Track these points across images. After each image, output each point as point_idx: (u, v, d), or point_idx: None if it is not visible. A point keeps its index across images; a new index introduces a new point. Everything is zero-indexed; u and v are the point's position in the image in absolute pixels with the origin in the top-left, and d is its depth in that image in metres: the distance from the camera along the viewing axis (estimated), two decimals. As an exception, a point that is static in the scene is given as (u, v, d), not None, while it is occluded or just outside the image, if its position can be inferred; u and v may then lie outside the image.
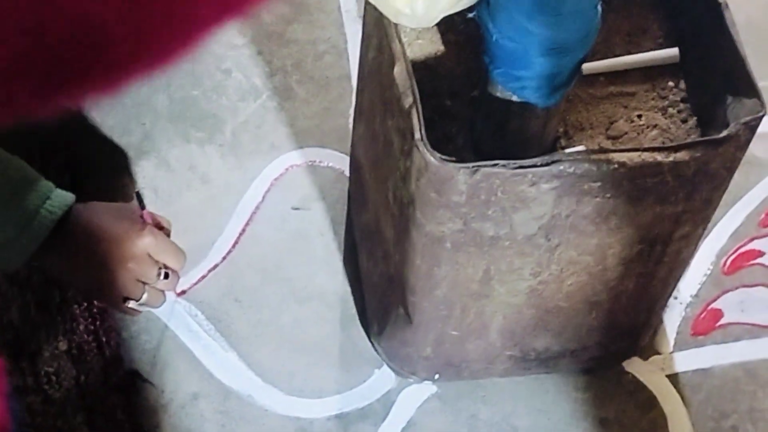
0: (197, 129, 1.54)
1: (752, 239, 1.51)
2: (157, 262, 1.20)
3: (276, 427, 1.35)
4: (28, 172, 1.18)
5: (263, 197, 1.50)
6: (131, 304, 1.19)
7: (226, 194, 1.50)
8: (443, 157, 1.08)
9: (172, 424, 1.33)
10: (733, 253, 1.50)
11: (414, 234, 1.18)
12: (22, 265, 1.17)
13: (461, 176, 1.08)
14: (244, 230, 1.47)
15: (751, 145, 1.55)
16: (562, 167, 1.09)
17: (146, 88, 1.55)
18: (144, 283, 1.19)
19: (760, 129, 1.58)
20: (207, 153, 1.53)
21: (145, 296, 1.19)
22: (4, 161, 1.18)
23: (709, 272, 1.48)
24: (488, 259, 1.19)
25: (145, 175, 1.50)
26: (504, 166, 1.09)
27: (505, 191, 1.11)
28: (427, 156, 1.08)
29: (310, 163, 1.53)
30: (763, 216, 1.52)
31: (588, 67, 1.26)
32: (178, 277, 1.24)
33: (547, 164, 1.09)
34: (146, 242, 1.19)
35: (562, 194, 1.12)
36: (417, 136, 1.08)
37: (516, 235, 1.16)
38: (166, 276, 1.21)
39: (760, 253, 1.49)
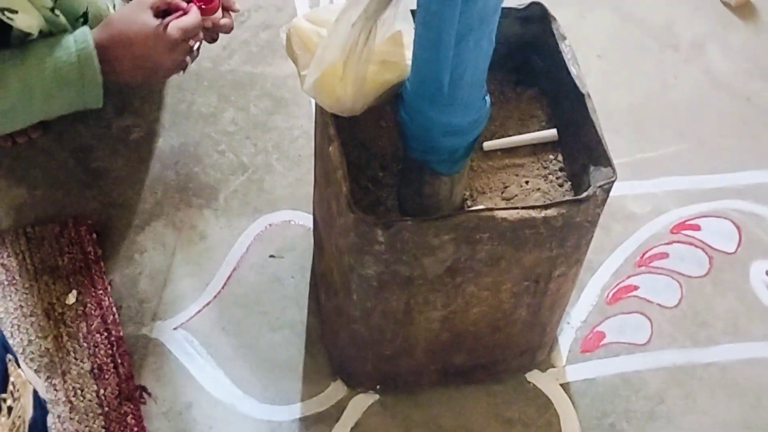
0: (197, 197, 1.54)
1: (629, 276, 1.51)
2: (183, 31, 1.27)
3: (253, 428, 1.33)
4: (51, 43, 1.25)
5: (247, 249, 1.49)
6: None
7: (218, 247, 1.50)
8: (364, 216, 1.08)
9: (171, 428, 1.32)
10: (614, 288, 1.50)
11: (350, 276, 1.18)
12: (102, 95, 1.27)
13: (379, 230, 1.08)
14: (231, 275, 1.47)
15: (630, 203, 1.57)
16: (457, 222, 1.09)
17: (159, 165, 1.55)
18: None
19: (637, 191, 1.59)
20: (204, 215, 1.52)
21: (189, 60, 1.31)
22: (38, 53, 1.24)
23: (595, 303, 1.48)
24: (407, 294, 1.19)
25: (157, 232, 1.49)
26: (411, 221, 1.08)
27: (414, 241, 1.10)
28: (353, 216, 1.07)
29: (284, 222, 1.53)
30: (638, 258, 1.53)
31: (488, 144, 1.27)
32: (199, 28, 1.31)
33: (445, 219, 1.09)
34: (170, 30, 1.25)
35: (460, 242, 1.11)
36: (345, 201, 1.08)
37: (427, 275, 1.15)
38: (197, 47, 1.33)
39: (636, 287, 1.50)
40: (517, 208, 1.10)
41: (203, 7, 1.35)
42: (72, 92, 1.25)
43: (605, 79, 1.70)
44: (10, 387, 0.72)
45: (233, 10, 1.40)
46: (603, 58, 1.74)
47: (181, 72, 1.34)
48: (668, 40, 1.78)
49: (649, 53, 1.76)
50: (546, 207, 1.10)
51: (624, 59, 1.74)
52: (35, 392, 0.93)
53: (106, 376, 1.33)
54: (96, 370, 1.34)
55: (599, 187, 1.10)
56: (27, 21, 1.25)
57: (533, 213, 1.10)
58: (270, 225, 1.51)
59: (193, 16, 1.29)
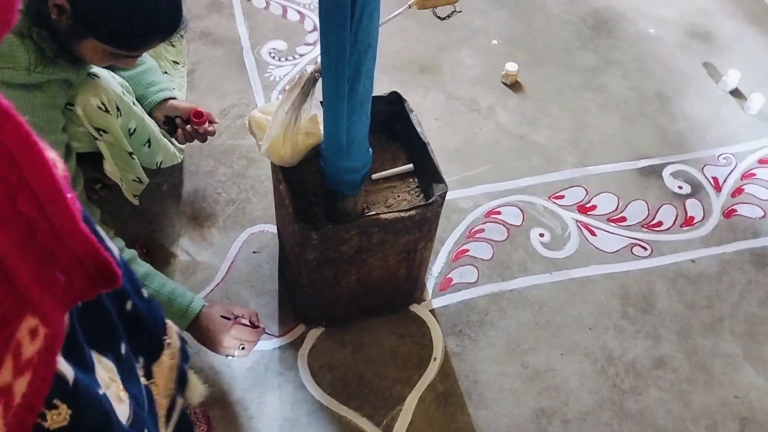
0: (206, 221, 1.50)
1: (463, 244, 1.51)
2: (239, 339, 1.13)
3: (253, 353, 1.29)
4: (180, 291, 1.14)
5: (239, 249, 1.46)
6: (231, 355, 1.15)
7: (222, 250, 1.46)
8: (303, 225, 1.06)
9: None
10: (455, 252, 1.50)
11: (299, 260, 1.16)
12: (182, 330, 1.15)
13: (313, 233, 1.07)
14: (230, 266, 1.43)
15: (461, 202, 1.57)
16: (358, 223, 1.08)
17: (181, 205, 1.51)
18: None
19: (464, 195, 1.59)
20: (212, 232, 1.49)
21: (236, 353, 1.14)
22: (172, 292, 1.13)
23: (445, 261, 1.48)
24: (334, 268, 1.18)
25: (182, 244, 1.45)
26: (331, 226, 1.07)
27: (334, 237, 1.09)
28: (297, 225, 1.06)
29: (260, 231, 1.49)
30: (468, 233, 1.52)
31: (375, 175, 1.26)
32: (255, 344, 1.16)
33: (350, 222, 1.08)
34: (232, 332, 1.13)
35: (362, 235, 1.11)
36: (291, 217, 1.07)
37: (344, 256, 1.15)
38: (243, 347, 1.14)
39: (468, 250, 1.50)
40: (392, 212, 1.11)
41: (196, 120, 1.32)
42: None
43: (441, 132, 1.71)
44: (168, 330, 0.69)
45: (214, 122, 1.37)
46: (439, 120, 1.74)
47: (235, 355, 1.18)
48: (474, 107, 1.78)
49: (464, 115, 1.76)
50: (409, 210, 1.11)
51: (450, 120, 1.75)
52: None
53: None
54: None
55: (438, 195, 1.12)
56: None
57: (402, 214, 1.10)
58: (252, 234, 1.48)
59: (254, 336, 1.16)
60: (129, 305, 0.61)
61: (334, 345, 1.33)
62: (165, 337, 0.69)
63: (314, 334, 1.34)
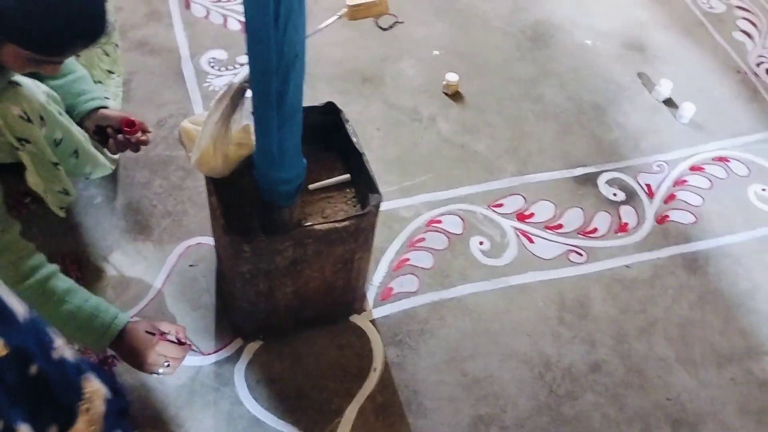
0: (141, 234, 1.47)
1: (404, 253, 1.51)
2: (165, 356, 1.10)
3: (185, 372, 1.28)
4: (103, 306, 1.10)
5: (175, 262, 1.43)
6: (156, 373, 1.11)
7: (157, 264, 1.43)
8: (235, 236, 1.05)
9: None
10: (396, 261, 1.50)
11: (233, 272, 1.15)
12: (102, 351, 1.14)
13: (245, 245, 1.06)
14: (166, 279, 1.40)
15: (402, 212, 1.58)
16: (291, 235, 1.08)
17: (115, 218, 1.47)
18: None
19: (405, 204, 1.60)
20: (146, 245, 1.46)
21: (161, 371, 1.10)
22: (95, 308, 1.08)
23: (386, 271, 1.48)
24: (269, 280, 1.17)
25: (116, 259, 1.41)
26: (263, 237, 1.07)
27: (268, 249, 1.09)
28: (228, 237, 1.05)
29: (197, 244, 1.47)
30: (409, 242, 1.53)
31: (312, 186, 1.26)
32: (181, 361, 1.12)
33: (283, 234, 1.07)
34: (157, 349, 1.10)
35: (296, 246, 1.11)
36: (222, 229, 1.05)
37: (279, 267, 1.14)
38: (168, 365, 1.10)
39: (408, 259, 1.50)
40: (326, 222, 1.10)
41: (127, 130, 1.30)
42: (85, 338, 1.10)
43: (382, 141, 1.72)
44: (86, 395, 0.66)
45: (147, 131, 1.34)
46: (381, 130, 1.75)
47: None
48: (415, 117, 1.79)
49: (405, 125, 1.77)
50: (343, 220, 1.11)
51: (392, 129, 1.75)
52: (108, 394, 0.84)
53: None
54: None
55: (373, 206, 1.12)
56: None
57: (336, 224, 1.10)
58: (188, 246, 1.46)
59: (180, 353, 1.13)
60: (34, 369, 0.58)
61: (273, 358, 1.31)
62: (80, 402, 0.66)
63: (252, 347, 1.32)
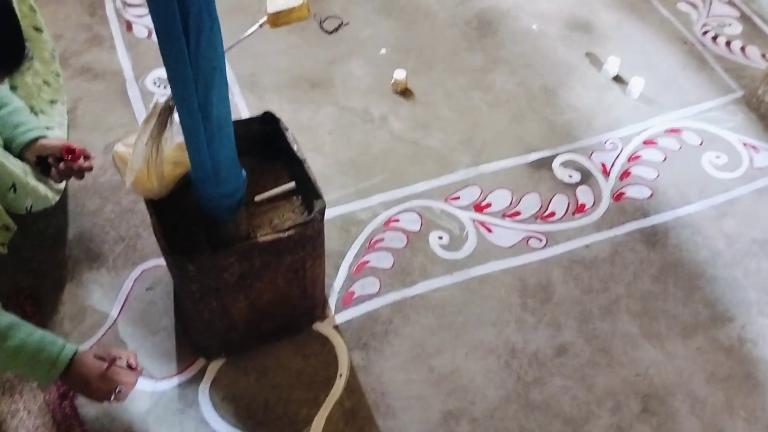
0: (95, 262, 1.45)
1: (364, 256, 1.51)
2: (116, 382, 1.09)
3: (147, 398, 1.27)
4: (49, 339, 1.07)
5: (131, 287, 1.42)
6: (107, 400, 1.09)
7: (112, 291, 1.41)
8: (176, 256, 1.04)
9: (97, 408, 1.23)
10: (356, 264, 1.49)
11: (184, 291, 1.14)
12: (51, 385, 1.11)
13: (189, 264, 1.05)
14: (123, 306, 1.39)
15: (359, 214, 1.57)
16: (234, 249, 1.07)
17: (67, 248, 1.45)
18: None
19: (362, 206, 1.59)
20: (101, 273, 1.44)
21: (112, 398, 1.09)
22: (40, 342, 1.06)
23: (346, 275, 1.47)
24: (220, 296, 1.16)
25: (71, 290, 1.39)
26: (206, 254, 1.05)
27: (213, 265, 1.08)
28: (171, 257, 1.04)
29: (153, 267, 1.45)
30: (368, 244, 1.52)
31: (258, 197, 1.25)
32: (133, 387, 1.11)
33: (226, 249, 1.06)
34: (108, 374, 1.09)
35: (242, 260, 1.10)
36: (163, 250, 1.04)
37: (228, 283, 1.13)
38: (119, 392, 1.09)
39: (368, 261, 1.50)
40: (269, 234, 1.09)
41: (69, 157, 1.28)
42: (33, 374, 1.07)
43: (335, 145, 1.71)
44: None
45: (89, 157, 1.32)
46: (333, 134, 1.74)
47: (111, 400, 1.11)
48: (367, 117, 1.79)
49: (357, 126, 1.77)
50: (287, 230, 1.10)
51: (344, 132, 1.75)
52: None
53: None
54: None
55: (317, 212, 1.11)
56: None
57: (280, 234, 1.09)
58: (144, 270, 1.44)
59: (131, 377, 1.12)
60: None
61: (237, 374, 1.30)
62: None
63: (215, 366, 1.31)
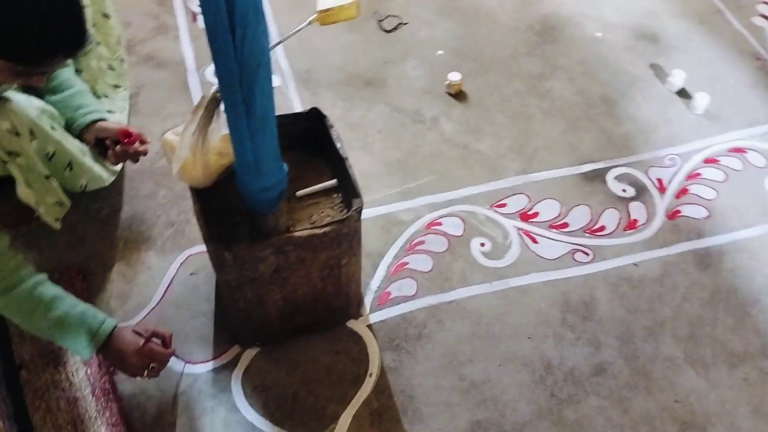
0: (145, 244, 1.50)
1: (403, 257, 1.50)
2: (150, 359, 1.14)
3: (186, 377, 1.29)
4: (91, 312, 1.13)
5: (176, 271, 1.46)
6: (140, 375, 1.15)
7: (159, 273, 1.46)
8: (216, 245, 1.07)
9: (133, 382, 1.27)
10: (394, 265, 1.49)
11: (221, 279, 1.16)
12: (90, 357, 1.14)
13: (227, 252, 1.07)
14: (167, 288, 1.43)
15: (401, 215, 1.57)
16: (271, 242, 1.08)
17: (120, 229, 1.51)
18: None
19: (405, 207, 1.58)
20: (150, 255, 1.49)
21: (145, 374, 1.14)
22: (82, 314, 1.11)
23: (384, 275, 1.47)
24: (256, 288, 1.18)
25: (120, 269, 1.45)
26: (244, 245, 1.07)
27: (249, 256, 1.10)
28: (211, 246, 1.07)
29: (198, 253, 1.49)
30: (408, 246, 1.52)
31: (299, 192, 1.26)
32: (165, 365, 1.17)
33: (263, 241, 1.08)
34: (143, 351, 1.14)
35: (277, 254, 1.11)
36: (204, 238, 1.07)
37: (264, 275, 1.15)
38: (152, 368, 1.14)
39: (407, 263, 1.49)
40: (306, 228, 1.11)
41: (125, 141, 1.33)
42: (73, 345, 1.12)
43: (384, 144, 1.71)
44: None
45: (145, 142, 1.37)
46: (382, 133, 1.75)
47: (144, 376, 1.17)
48: (418, 118, 1.79)
49: (407, 127, 1.77)
50: (323, 226, 1.11)
51: (394, 132, 1.75)
52: None
53: (91, 359, 1.28)
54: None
55: (354, 210, 1.12)
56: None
57: (317, 230, 1.11)
58: (190, 255, 1.48)
59: (164, 357, 1.17)
60: None
61: (269, 365, 1.32)
62: None
63: (249, 354, 1.33)
